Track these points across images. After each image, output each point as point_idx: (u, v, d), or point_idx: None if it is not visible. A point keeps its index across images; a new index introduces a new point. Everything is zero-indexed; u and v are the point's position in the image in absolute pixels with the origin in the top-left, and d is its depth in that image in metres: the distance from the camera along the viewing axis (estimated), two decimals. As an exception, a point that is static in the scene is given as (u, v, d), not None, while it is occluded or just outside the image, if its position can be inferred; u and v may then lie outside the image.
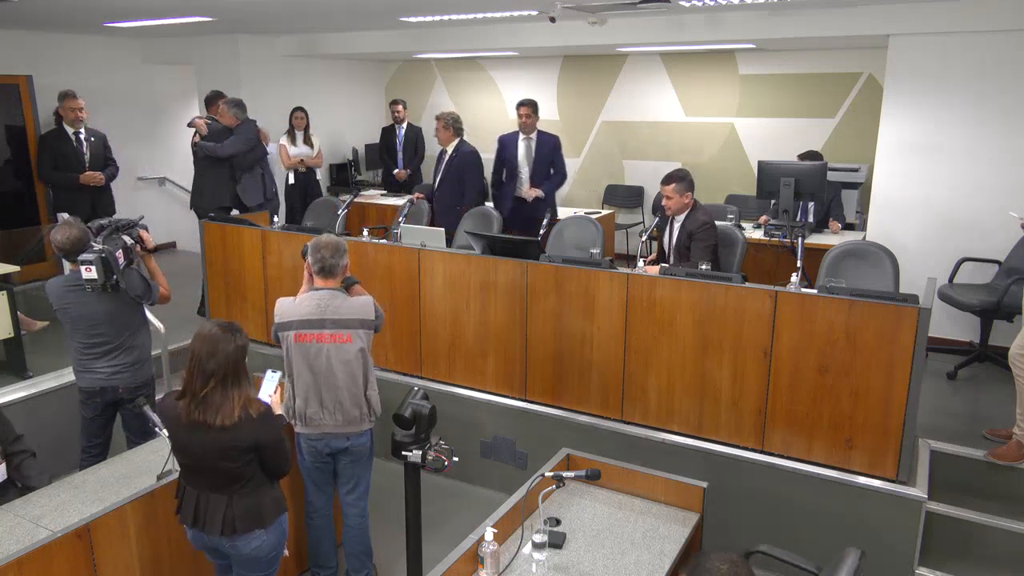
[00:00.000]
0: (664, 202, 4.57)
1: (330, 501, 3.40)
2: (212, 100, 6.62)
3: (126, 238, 3.58)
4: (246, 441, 2.51)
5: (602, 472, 2.85)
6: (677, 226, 4.60)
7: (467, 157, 5.90)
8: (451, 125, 5.84)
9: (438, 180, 6.00)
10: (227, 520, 2.54)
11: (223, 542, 2.58)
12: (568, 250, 5.24)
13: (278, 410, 2.66)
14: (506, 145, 6.18)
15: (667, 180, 4.49)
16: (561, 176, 6.25)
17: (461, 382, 4.48)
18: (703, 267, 3.94)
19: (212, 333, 2.52)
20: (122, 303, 3.52)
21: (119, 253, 3.45)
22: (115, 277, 3.38)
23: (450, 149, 5.92)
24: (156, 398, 3.63)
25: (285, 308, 3.17)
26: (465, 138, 6.01)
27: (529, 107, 6.03)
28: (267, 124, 7.95)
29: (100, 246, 3.42)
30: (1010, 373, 3.76)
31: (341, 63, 9.00)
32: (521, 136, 6.13)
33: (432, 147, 8.84)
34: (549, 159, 6.13)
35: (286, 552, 2.79)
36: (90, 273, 3.32)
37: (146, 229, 3.75)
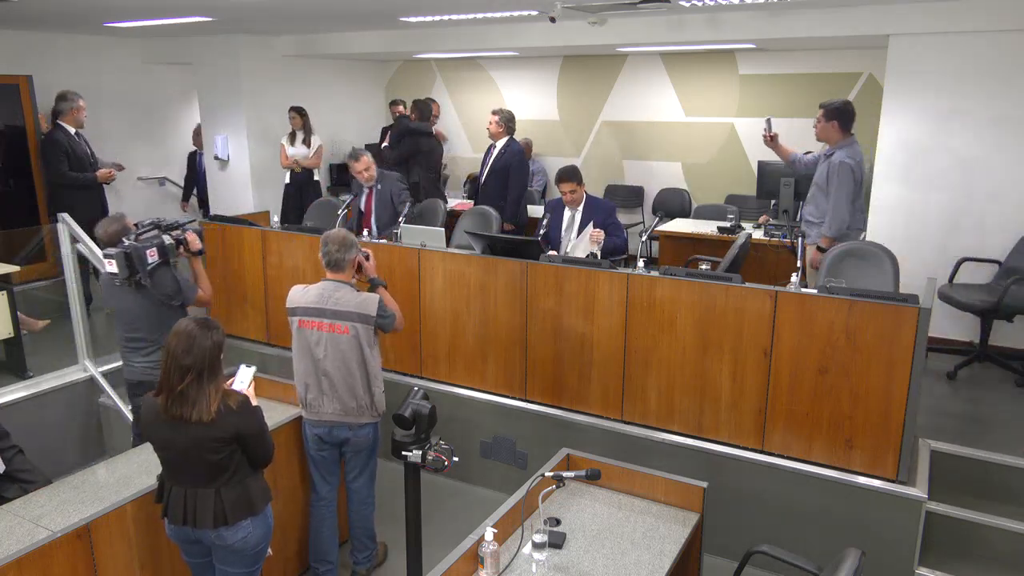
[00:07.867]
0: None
1: (334, 491, 3.43)
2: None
3: (166, 237, 3.61)
4: (227, 432, 2.53)
5: (602, 472, 2.85)
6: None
7: (516, 155, 6.10)
8: (504, 123, 6.08)
9: (485, 173, 6.20)
10: (217, 512, 2.55)
11: (209, 534, 2.58)
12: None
13: (255, 402, 2.69)
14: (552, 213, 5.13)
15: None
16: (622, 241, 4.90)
17: (461, 382, 4.48)
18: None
19: (188, 329, 2.54)
20: (159, 301, 3.57)
21: (152, 251, 3.49)
22: (139, 274, 3.43)
23: (499, 144, 6.13)
24: None
25: (294, 295, 3.33)
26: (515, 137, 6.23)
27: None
28: (267, 124, 8.00)
29: (129, 242, 3.48)
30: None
31: (341, 63, 8.99)
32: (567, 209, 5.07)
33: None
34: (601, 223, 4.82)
35: (270, 552, 2.78)
36: (112, 267, 3.42)
37: (197, 233, 3.78)
